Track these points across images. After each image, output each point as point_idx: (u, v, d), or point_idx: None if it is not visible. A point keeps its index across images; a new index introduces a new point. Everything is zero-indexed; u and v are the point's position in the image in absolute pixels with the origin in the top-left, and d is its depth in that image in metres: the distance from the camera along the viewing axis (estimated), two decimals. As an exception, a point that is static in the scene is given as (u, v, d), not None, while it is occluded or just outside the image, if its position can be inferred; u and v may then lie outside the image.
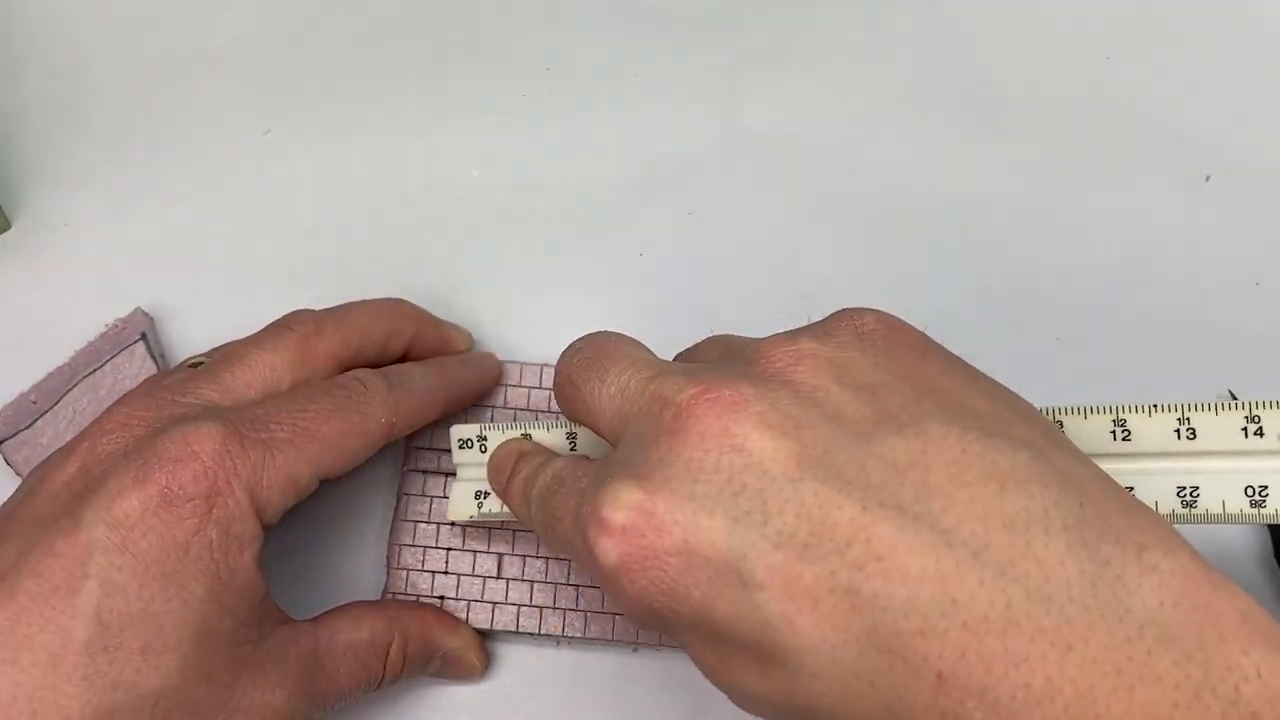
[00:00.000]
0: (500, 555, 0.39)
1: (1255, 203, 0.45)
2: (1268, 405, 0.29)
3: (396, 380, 0.36)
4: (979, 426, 0.25)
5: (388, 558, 0.40)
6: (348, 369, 0.36)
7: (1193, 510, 0.29)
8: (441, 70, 0.48)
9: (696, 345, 0.35)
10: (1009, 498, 0.23)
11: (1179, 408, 0.30)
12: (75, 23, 0.49)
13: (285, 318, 0.37)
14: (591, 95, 0.48)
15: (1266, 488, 0.29)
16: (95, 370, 0.41)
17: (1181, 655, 0.21)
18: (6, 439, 0.40)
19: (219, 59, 0.49)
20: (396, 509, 0.40)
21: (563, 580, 0.39)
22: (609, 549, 0.25)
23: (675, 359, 0.34)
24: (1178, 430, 0.30)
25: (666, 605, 0.25)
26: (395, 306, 0.39)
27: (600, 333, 0.32)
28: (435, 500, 0.40)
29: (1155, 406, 0.30)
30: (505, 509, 0.35)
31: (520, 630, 0.38)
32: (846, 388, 0.26)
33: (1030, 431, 0.25)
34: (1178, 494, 0.30)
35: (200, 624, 0.30)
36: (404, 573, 0.39)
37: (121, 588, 0.29)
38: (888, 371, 0.27)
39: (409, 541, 0.39)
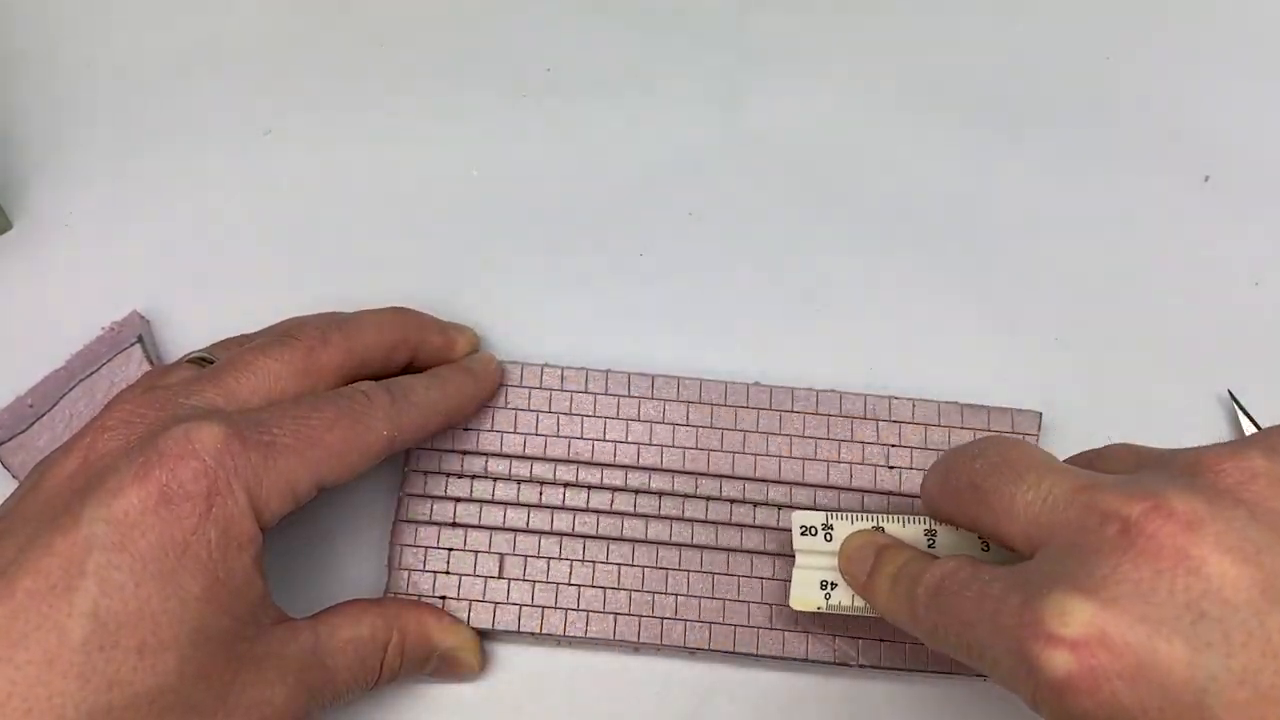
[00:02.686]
0: (502, 556, 0.39)
1: (1254, 203, 0.45)
2: None
3: (399, 393, 0.36)
4: None
5: (389, 558, 0.39)
6: (352, 380, 0.36)
7: None
8: (442, 71, 0.48)
9: (1099, 451, 0.33)
10: None
11: None
12: (75, 23, 0.49)
13: (291, 327, 0.37)
14: (592, 96, 0.48)
15: None
16: (92, 373, 0.41)
17: None
18: (3, 442, 0.40)
19: (219, 59, 0.49)
20: (398, 509, 0.40)
21: (564, 580, 0.39)
22: (1059, 663, 0.24)
23: (1071, 461, 0.33)
24: None
25: None
26: (400, 315, 0.39)
27: (1001, 438, 0.31)
28: (436, 501, 0.40)
29: None
30: (857, 602, 0.34)
31: (522, 630, 0.38)
32: None
33: None
34: None
35: (198, 623, 0.30)
36: (405, 573, 0.39)
37: (119, 586, 0.29)
38: None
39: (410, 542, 0.39)
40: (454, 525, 0.40)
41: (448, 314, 0.42)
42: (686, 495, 0.40)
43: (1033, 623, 0.25)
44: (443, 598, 0.38)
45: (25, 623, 0.28)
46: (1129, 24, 0.49)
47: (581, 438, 0.40)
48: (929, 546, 0.34)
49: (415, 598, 0.38)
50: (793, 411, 0.40)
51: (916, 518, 0.34)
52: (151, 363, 0.41)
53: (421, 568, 0.39)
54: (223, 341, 0.39)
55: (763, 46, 0.49)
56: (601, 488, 0.40)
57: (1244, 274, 0.44)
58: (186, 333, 0.43)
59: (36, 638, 0.28)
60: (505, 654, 0.39)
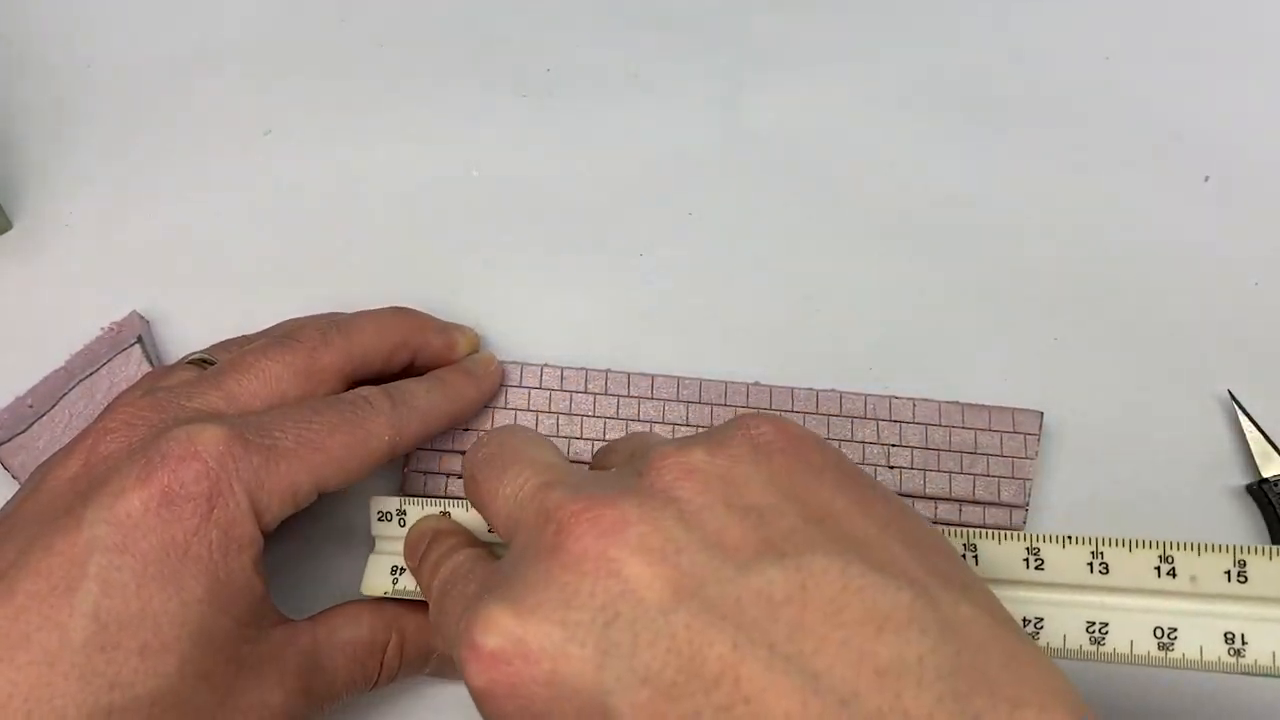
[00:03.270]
0: (500, 556, 0.39)
1: (1254, 203, 0.45)
2: (1181, 546, 0.29)
3: (400, 398, 0.36)
4: (865, 559, 0.24)
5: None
6: (353, 383, 0.36)
7: (1100, 648, 0.29)
8: (442, 71, 0.48)
9: (616, 441, 0.34)
10: (884, 642, 0.22)
11: (1092, 541, 0.29)
12: (75, 23, 0.49)
13: (291, 329, 0.37)
14: (592, 96, 0.48)
15: (1175, 630, 0.28)
16: (91, 374, 0.41)
17: None
18: (2, 443, 0.40)
19: (219, 59, 0.49)
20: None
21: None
22: (476, 673, 0.25)
23: (595, 455, 0.34)
24: (1090, 564, 0.29)
25: None
26: (401, 316, 0.39)
27: (509, 428, 0.32)
28: (434, 504, 0.40)
29: (1069, 538, 0.29)
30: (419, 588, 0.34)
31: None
32: (733, 509, 0.25)
33: (919, 566, 0.24)
34: (1087, 629, 0.29)
35: (199, 624, 0.30)
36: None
37: (121, 587, 0.29)
38: (778, 491, 0.26)
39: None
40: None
41: (448, 314, 0.41)
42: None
43: (464, 631, 0.25)
44: (442, 598, 0.39)
45: (26, 624, 0.28)
46: (1129, 24, 0.49)
47: (581, 438, 0.40)
48: (490, 530, 0.33)
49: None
50: (793, 411, 0.40)
51: None
52: (151, 363, 0.41)
53: (421, 568, 0.39)
54: (223, 343, 0.39)
55: (763, 46, 0.49)
56: (601, 488, 0.40)
57: (1244, 274, 0.44)
58: (186, 333, 0.43)
59: (38, 639, 0.28)
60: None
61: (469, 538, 0.33)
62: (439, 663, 0.37)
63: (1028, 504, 0.39)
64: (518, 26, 0.49)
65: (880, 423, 0.40)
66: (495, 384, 0.40)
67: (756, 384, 0.41)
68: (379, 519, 0.36)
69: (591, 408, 0.40)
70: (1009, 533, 0.30)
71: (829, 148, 0.47)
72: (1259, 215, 0.45)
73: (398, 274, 0.44)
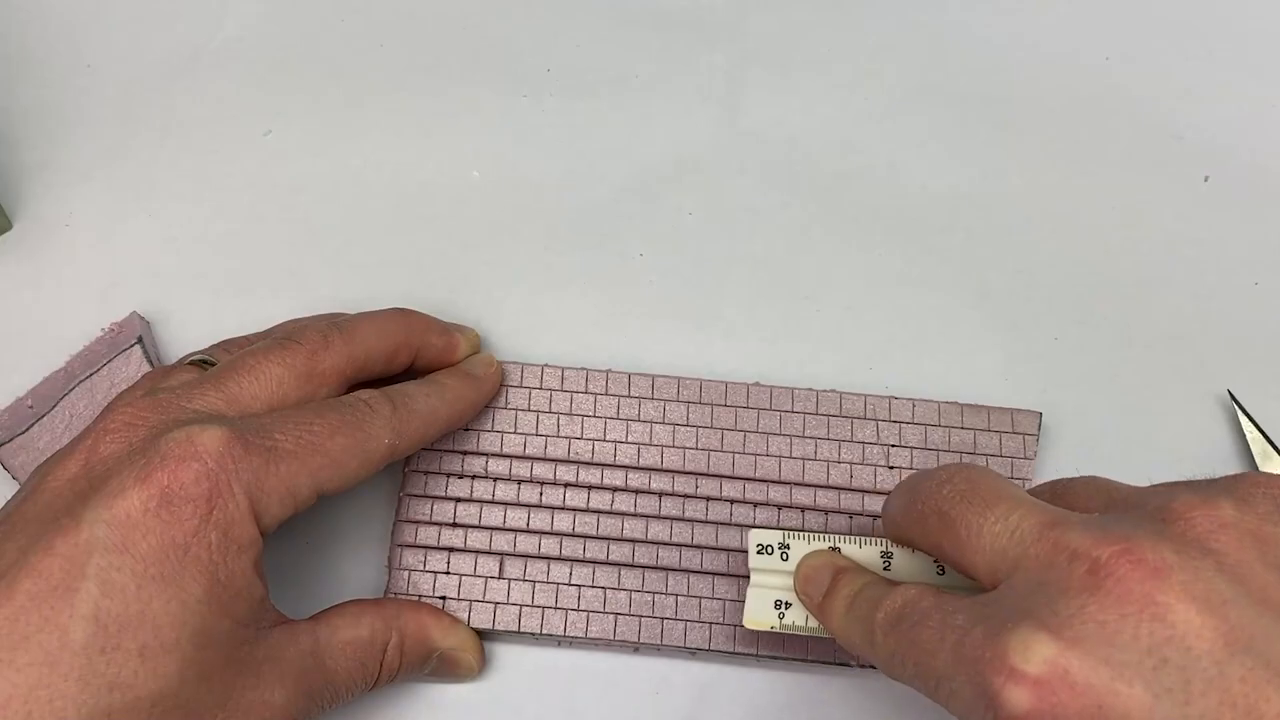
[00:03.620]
0: (502, 556, 0.39)
1: (1254, 203, 0.45)
2: None
3: (400, 402, 0.36)
4: None
5: (389, 558, 0.39)
6: (354, 384, 0.36)
7: None
8: (442, 71, 0.48)
9: (1069, 481, 0.33)
10: None
11: None
12: (75, 23, 0.49)
13: (292, 330, 0.37)
14: (592, 96, 0.48)
15: None
16: (92, 374, 0.41)
17: None
18: (3, 444, 0.40)
19: (219, 59, 0.49)
20: (398, 509, 0.40)
21: (564, 581, 0.39)
22: (1019, 699, 0.24)
23: (1039, 490, 0.33)
24: None
25: None
26: (402, 318, 0.39)
27: (972, 466, 0.31)
28: (437, 501, 0.40)
29: None
30: (811, 622, 0.34)
31: (522, 630, 0.38)
32: (1272, 568, 0.25)
33: None
34: None
35: (199, 625, 0.30)
36: (406, 573, 0.39)
37: (120, 589, 0.29)
38: None
39: (411, 542, 0.39)
40: (454, 525, 0.39)
41: (448, 314, 0.41)
42: (687, 495, 0.40)
43: (996, 656, 0.25)
44: (443, 598, 0.38)
45: (26, 624, 0.28)
46: (1129, 24, 0.49)
47: (582, 438, 0.40)
48: (885, 569, 0.33)
49: (415, 598, 0.38)
50: (793, 412, 0.40)
51: (874, 540, 0.34)
52: (151, 364, 0.41)
53: (422, 568, 0.39)
54: (223, 343, 0.39)
55: (761, 46, 0.49)
56: (602, 488, 0.40)
57: (1244, 274, 0.44)
58: (187, 333, 0.43)
59: (38, 640, 0.28)
60: (505, 654, 0.39)
61: (875, 573, 0.33)
62: (439, 663, 0.37)
63: (1028, 504, 0.39)
64: (518, 27, 0.49)
65: (880, 423, 0.40)
66: (495, 385, 0.40)
67: (757, 384, 0.41)
68: (759, 551, 0.35)
69: (592, 408, 0.40)
70: None
71: (828, 147, 0.47)
72: (1259, 215, 0.45)
73: (398, 274, 0.44)
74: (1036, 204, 0.45)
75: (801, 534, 0.35)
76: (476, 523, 0.39)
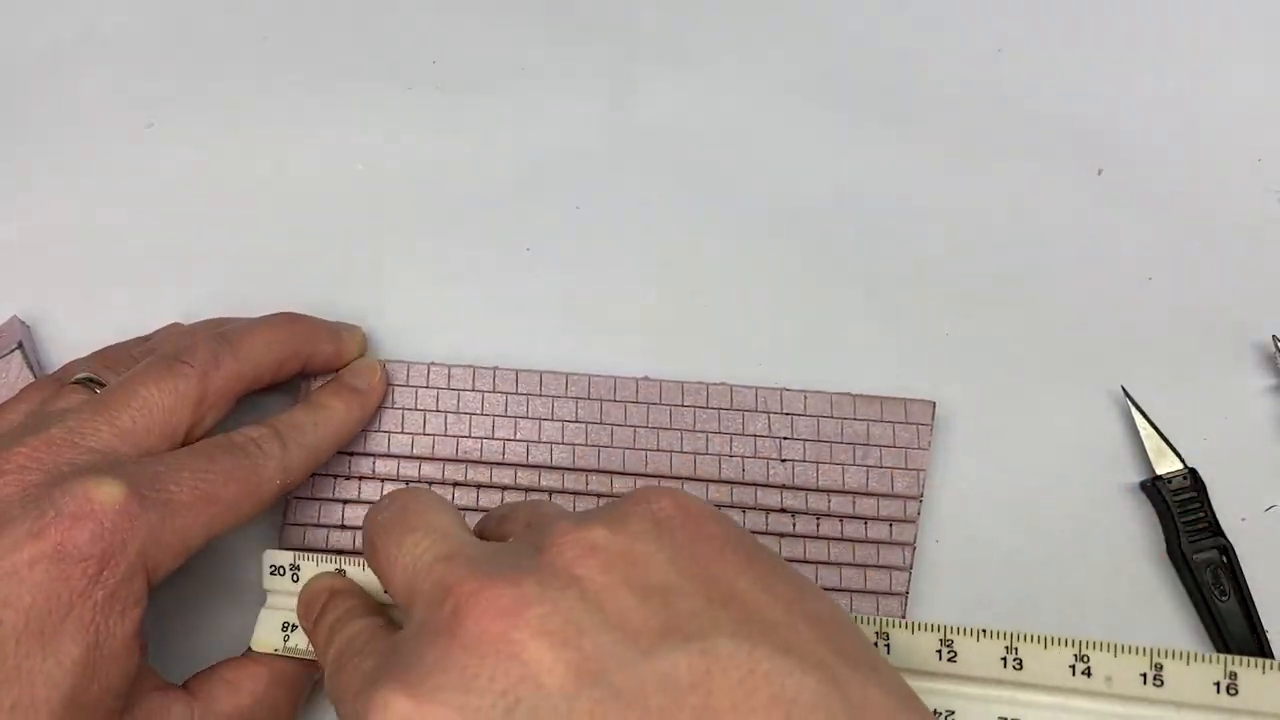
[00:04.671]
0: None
1: (1147, 197, 0.45)
2: (1097, 646, 0.29)
3: (290, 438, 0.36)
4: (771, 641, 0.23)
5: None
6: (243, 396, 0.36)
7: None
8: (326, 64, 0.48)
9: (512, 506, 0.33)
10: None
11: (1007, 635, 0.29)
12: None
13: (180, 349, 0.36)
14: (478, 89, 0.47)
15: None
16: (-29, 381, 0.40)
17: None
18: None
19: (100, 50, 0.47)
20: (285, 513, 0.39)
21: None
22: None
23: (486, 519, 0.33)
24: (1004, 658, 0.29)
25: None
26: (289, 326, 0.39)
27: (410, 490, 0.31)
28: (324, 504, 0.39)
29: (984, 632, 0.29)
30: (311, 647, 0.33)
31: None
32: (635, 590, 0.24)
33: (826, 647, 0.24)
34: None
35: (71, 688, 0.29)
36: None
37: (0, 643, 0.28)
38: (681, 570, 0.25)
39: (299, 545, 0.39)
40: (342, 528, 0.39)
41: (333, 312, 0.41)
42: (577, 492, 0.39)
43: (361, 714, 0.24)
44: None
45: None
46: (1021, 17, 0.49)
47: (469, 436, 0.39)
48: (385, 592, 0.31)
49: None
50: (683, 405, 0.40)
51: None
52: (32, 369, 0.40)
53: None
54: (104, 352, 0.38)
55: (652, 40, 0.48)
56: (491, 486, 0.39)
57: (1137, 269, 0.44)
58: (69, 335, 0.42)
59: None
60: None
61: (366, 600, 0.33)
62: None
63: (921, 495, 0.39)
64: (402, 19, 0.48)
65: (771, 415, 0.40)
66: (380, 396, 0.40)
67: (646, 378, 0.40)
68: (271, 573, 0.35)
69: (479, 406, 0.40)
70: (922, 624, 0.30)
71: (718, 142, 0.46)
72: (1152, 209, 0.45)
73: (283, 270, 0.43)
74: (928, 197, 0.45)
75: (311, 555, 0.35)
76: (363, 525, 0.39)
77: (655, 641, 0.23)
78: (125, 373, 0.35)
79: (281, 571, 0.35)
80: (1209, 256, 0.44)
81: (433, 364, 0.40)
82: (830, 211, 0.45)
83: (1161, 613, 0.39)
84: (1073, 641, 0.29)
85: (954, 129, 0.46)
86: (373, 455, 0.39)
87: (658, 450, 0.39)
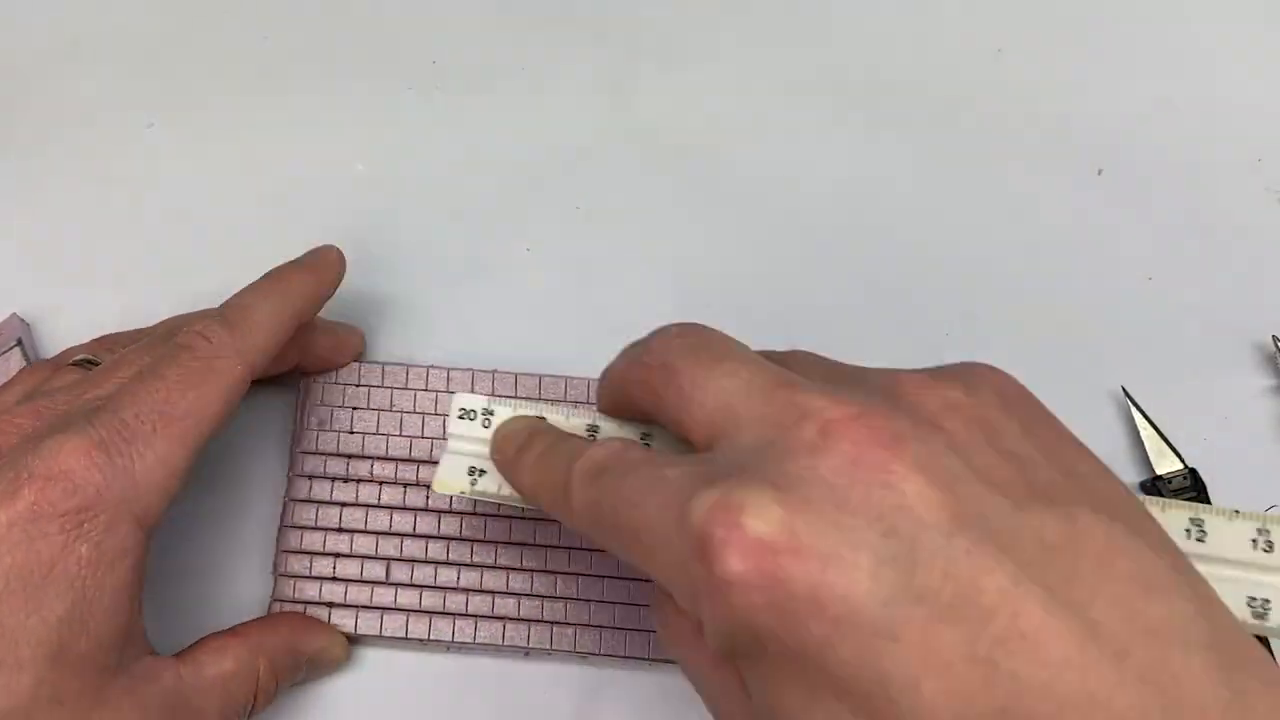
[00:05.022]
0: (389, 561, 0.38)
1: (1148, 197, 0.45)
2: None
3: (238, 319, 0.34)
4: (1125, 521, 0.23)
5: (274, 564, 0.39)
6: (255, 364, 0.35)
7: (1265, 623, 0.28)
8: (327, 64, 0.47)
9: (785, 353, 0.31)
10: (1154, 603, 0.22)
11: (1259, 518, 0.28)
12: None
13: (184, 331, 0.35)
14: (478, 89, 0.47)
15: None
16: (-29, 377, 0.40)
17: None
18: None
19: (99, 50, 0.47)
20: (283, 515, 0.39)
21: (452, 585, 0.38)
22: (734, 558, 0.23)
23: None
24: (1254, 540, 0.28)
25: (774, 631, 0.23)
26: (279, 284, 0.37)
27: (701, 325, 0.30)
28: (321, 506, 0.39)
29: (1236, 512, 0.28)
30: (504, 489, 0.33)
31: (410, 637, 0.38)
32: (999, 451, 0.24)
33: (1163, 537, 0.24)
34: (1249, 604, 0.28)
35: (58, 644, 0.29)
36: (291, 580, 0.38)
37: None
38: (1031, 443, 0.25)
39: (295, 548, 0.38)
40: (339, 530, 0.39)
41: (332, 312, 0.41)
42: (577, 495, 0.39)
43: (716, 510, 0.23)
44: (329, 604, 0.38)
45: None
46: (1020, 17, 0.48)
47: (469, 440, 0.39)
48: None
49: (301, 605, 0.38)
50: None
51: (581, 409, 0.33)
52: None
53: (307, 574, 0.38)
54: (107, 336, 0.38)
55: (651, 39, 0.48)
56: (490, 490, 0.39)
57: (1138, 269, 0.44)
58: (69, 332, 0.42)
59: None
60: (392, 659, 0.39)
61: (571, 437, 0.31)
62: (310, 668, 0.37)
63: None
64: (403, 19, 0.48)
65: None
66: (336, 273, 0.39)
67: (646, 382, 0.40)
68: (460, 416, 0.34)
69: (479, 409, 0.40)
70: (1172, 503, 0.29)
71: (718, 141, 0.46)
72: (1153, 210, 0.45)
73: (283, 272, 0.43)
74: (928, 197, 0.45)
75: (508, 400, 0.34)
76: (362, 527, 0.39)
77: (1023, 499, 0.23)
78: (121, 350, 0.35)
79: (472, 415, 0.34)
80: (1209, 256, 0.44)
81: (431, 367, 0.40)
82: (830, 211, 0.45)
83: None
84: None
85: (954, 129, 0.46)
86: (371, 458, 0.39)
87: (657, 452, 0.39)
